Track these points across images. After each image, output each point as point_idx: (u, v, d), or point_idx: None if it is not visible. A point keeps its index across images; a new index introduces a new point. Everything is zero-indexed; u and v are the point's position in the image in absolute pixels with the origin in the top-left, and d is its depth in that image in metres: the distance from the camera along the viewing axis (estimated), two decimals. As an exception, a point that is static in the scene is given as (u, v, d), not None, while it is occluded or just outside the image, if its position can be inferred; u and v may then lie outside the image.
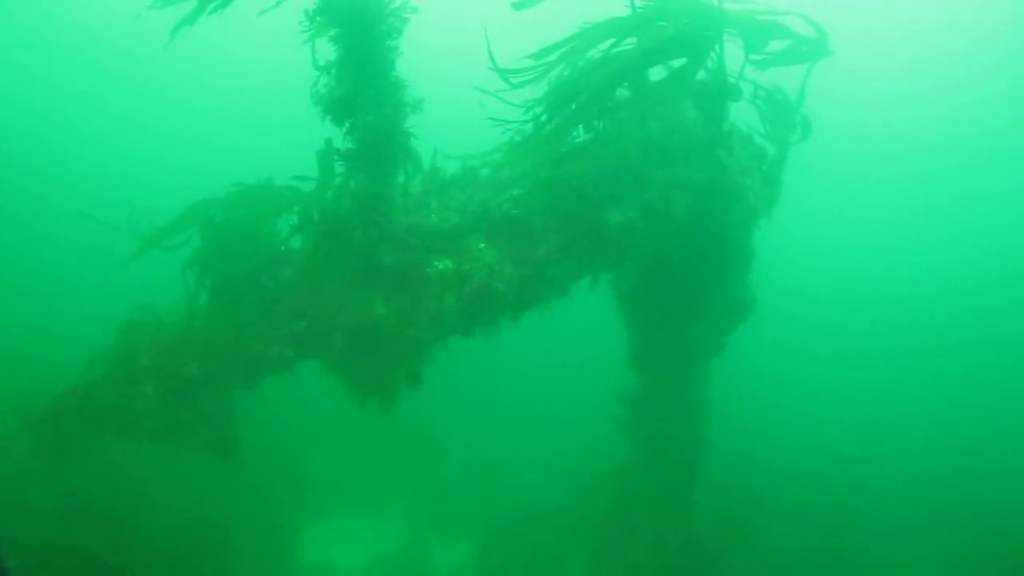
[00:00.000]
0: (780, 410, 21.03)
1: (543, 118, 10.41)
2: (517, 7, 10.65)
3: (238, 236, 10.70)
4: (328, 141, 10.34)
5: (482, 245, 10.21)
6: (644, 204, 10.62)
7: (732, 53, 10.96)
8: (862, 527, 16.90)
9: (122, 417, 10.49)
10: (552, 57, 10.48)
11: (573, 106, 10.42)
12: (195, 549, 14.17)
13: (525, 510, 17.24)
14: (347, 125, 9.75)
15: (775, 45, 11.44)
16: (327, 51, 9.68)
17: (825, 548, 16.10)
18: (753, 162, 11.52)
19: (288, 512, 17.26)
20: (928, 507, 17.93)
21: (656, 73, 10.89)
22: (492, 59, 10.18)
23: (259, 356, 10.21)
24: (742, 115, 11.87)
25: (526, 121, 10.54)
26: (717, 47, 10.68)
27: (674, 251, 11.32)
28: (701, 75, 10.84)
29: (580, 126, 10.83)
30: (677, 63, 10.65)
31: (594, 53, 10.58)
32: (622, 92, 10.87)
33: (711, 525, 13.78)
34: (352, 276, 10.00)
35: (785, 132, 12.05)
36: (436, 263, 10.12)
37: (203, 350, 10.36)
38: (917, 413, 23.20)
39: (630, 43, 10.37)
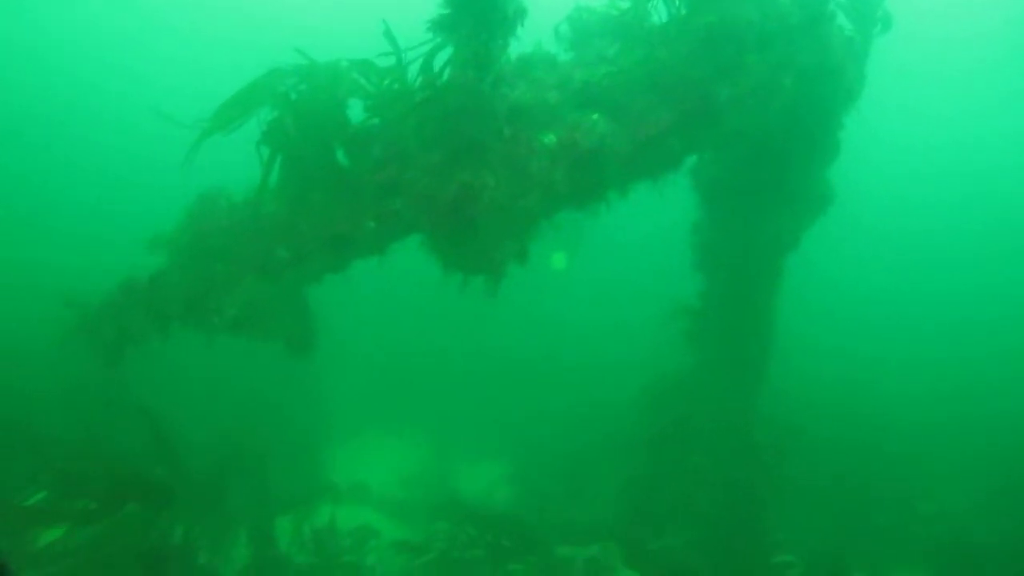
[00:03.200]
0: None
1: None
2: None
3: (317, 109, 9.13)
4: (385, 22, 8.91)
5: (596, 116, 8.82)
6: (750, 83, 9.30)
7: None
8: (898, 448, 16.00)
9: (196, 306, 8.96)
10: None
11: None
12: (233, 470, 12.87)
13: (556, 430, 15.91)
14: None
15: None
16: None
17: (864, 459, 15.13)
18: (848, 46, 10.32)
19: (317, 436, 15.84)
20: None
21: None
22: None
23: (348, 235, 8.72)
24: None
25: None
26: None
27: (776, 131, 10.05)
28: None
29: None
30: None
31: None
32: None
33: (766, 432, 12.58)
34: (453, 149, 8.55)
35: (867, 25, 10.88)
36: (542, 138, 8.72)
37: (287, 230, 8.85)
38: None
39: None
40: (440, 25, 8.47)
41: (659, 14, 9.91)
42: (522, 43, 9.11)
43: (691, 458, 12.42)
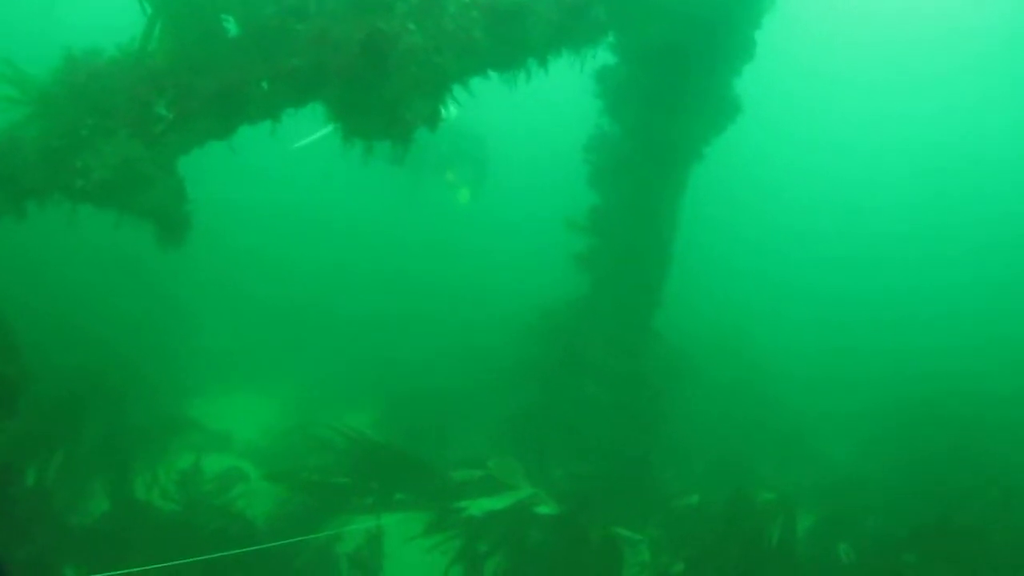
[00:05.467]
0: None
1: None
2: None
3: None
4: None
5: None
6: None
7: None
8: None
9: (57, 166, 7.44)
10: None
11: None
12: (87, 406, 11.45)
13: (430, 373, 14.73)
14: None
15: None
16: None
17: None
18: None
19: (183, 385, 14.33)
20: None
21: None
22: None
23: (237, 91, 7.40)
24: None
25: None
26: None
27: (695, 21, 9.17)
28: None
29: None
30: None
31: None
32: None
33: (657, 359, 11.72)
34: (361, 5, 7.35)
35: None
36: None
37: (168, 84, 7.45)
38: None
39: None
40: None
41: None
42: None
43: (582, 387, 11.42)
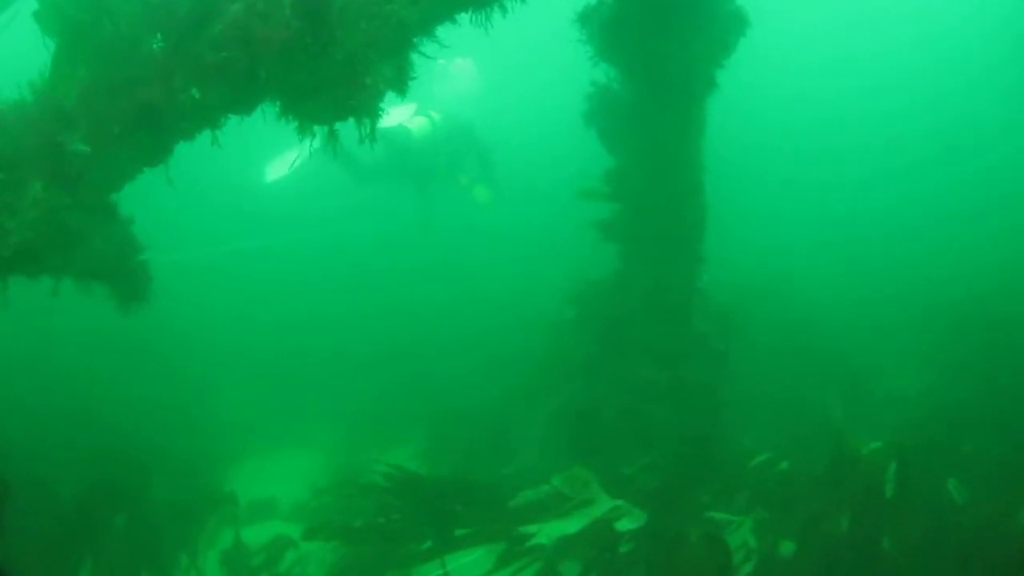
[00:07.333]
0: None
1: None
2: None
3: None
4: None
5: None
6: None
7: None
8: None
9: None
10: None
11: None
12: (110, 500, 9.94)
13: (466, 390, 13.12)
14: None
15: None
16: None
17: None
18: None
19: (212, 458, 12.82)
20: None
21: None
22: None
23: (160, 104, 5.72)
24: None
25: None
26: None
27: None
28: None
29: None
30: None
31: None
32: None
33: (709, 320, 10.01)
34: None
35: None
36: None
37: (80, 115, 5.78)
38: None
39: None
40: None
41: None
42: None
43: (633, 370, 9.71)
